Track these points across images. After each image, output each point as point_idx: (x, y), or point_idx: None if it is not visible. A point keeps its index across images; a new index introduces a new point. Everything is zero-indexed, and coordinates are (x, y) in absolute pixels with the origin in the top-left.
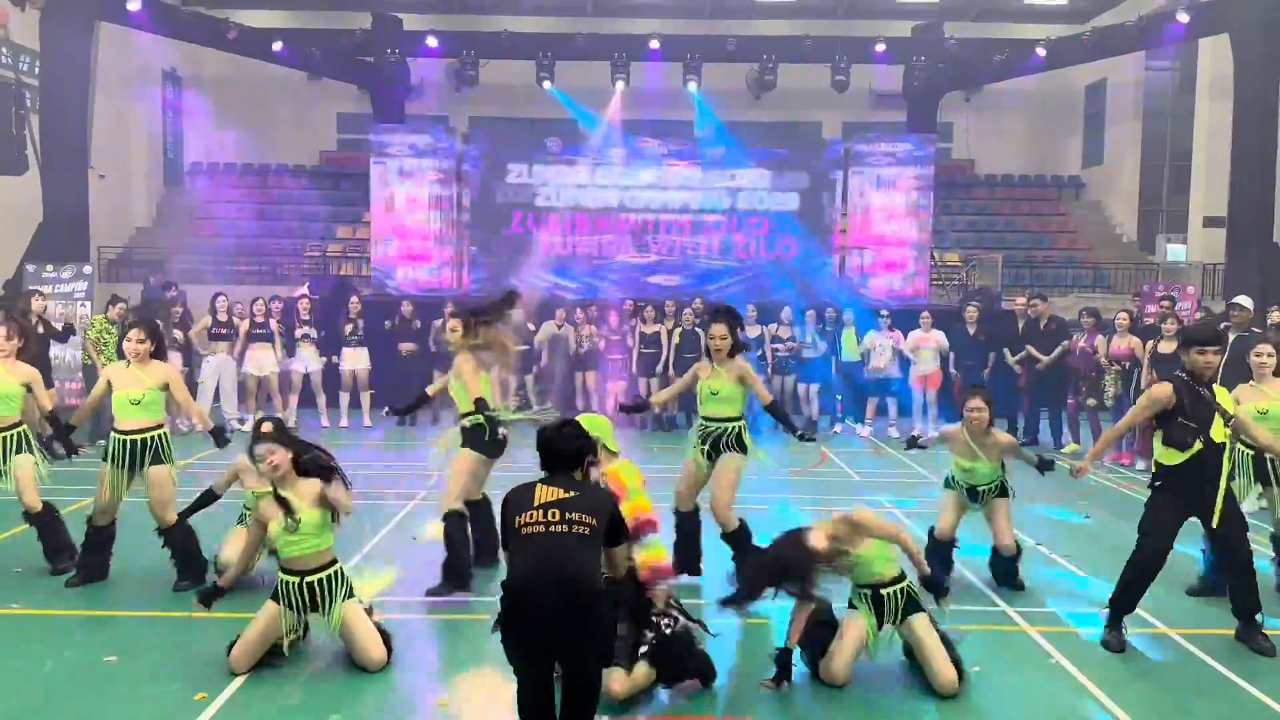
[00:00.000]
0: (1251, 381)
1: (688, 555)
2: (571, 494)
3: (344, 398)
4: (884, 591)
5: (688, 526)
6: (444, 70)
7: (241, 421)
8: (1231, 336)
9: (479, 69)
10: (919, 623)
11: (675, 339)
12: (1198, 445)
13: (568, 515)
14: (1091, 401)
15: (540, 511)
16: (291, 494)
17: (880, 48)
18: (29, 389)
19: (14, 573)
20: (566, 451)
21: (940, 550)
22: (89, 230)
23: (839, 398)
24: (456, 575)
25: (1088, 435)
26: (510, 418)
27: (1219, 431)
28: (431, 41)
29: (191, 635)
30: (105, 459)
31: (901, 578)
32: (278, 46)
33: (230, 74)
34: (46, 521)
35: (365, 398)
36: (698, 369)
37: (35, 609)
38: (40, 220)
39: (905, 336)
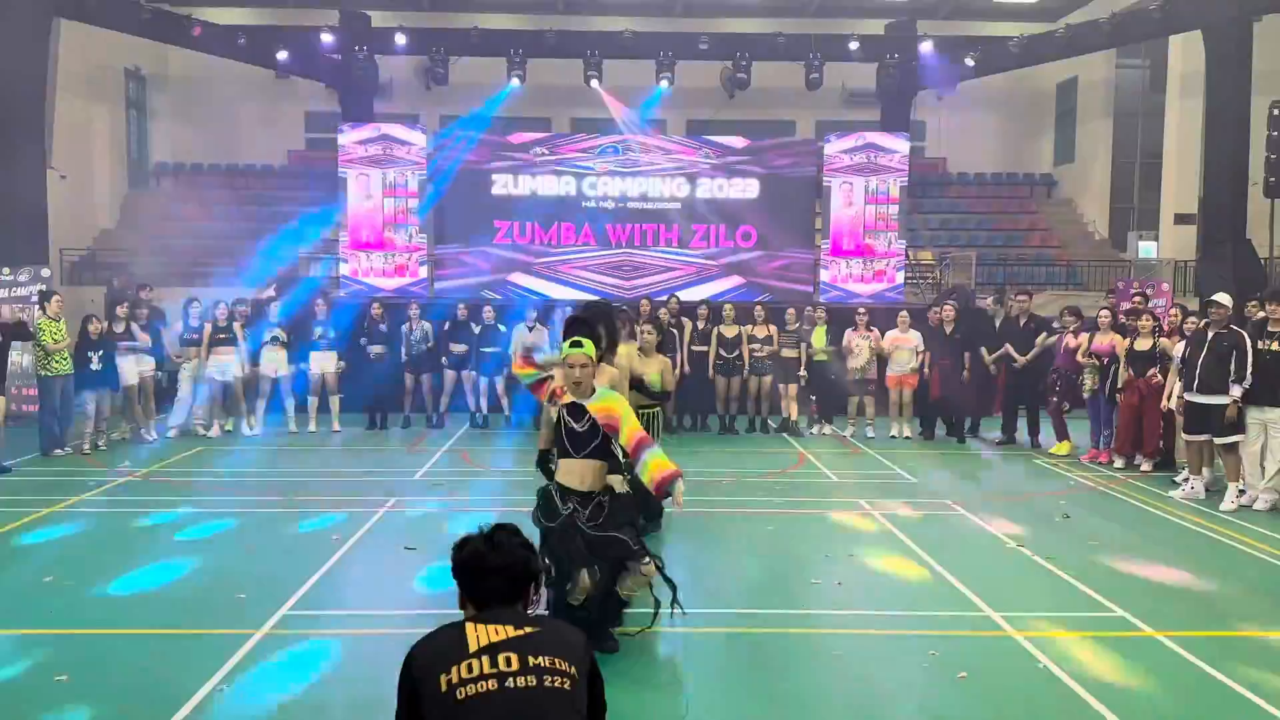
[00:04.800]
0: None
1: None
2: (528, 630)
3: (313, 401)
4: None
5: None
6: (413, 68)
7: (207, 428)
8: (1210, 334)
9: (449, 67)
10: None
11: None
12: None
13: (532, 661)
14: (1066, 406)
15: (483, 660)
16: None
17: (854, 45)
18: None
19: None
20: (507, 571)
21: None
22: (48, 232)
23: (813, 398)
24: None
25: (1079, 433)
26: None
27: None
28: (400, 39)
29: (147, 652)
30: None
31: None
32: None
33: (195, 72)
34: None
35: (334, 402)
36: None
37: None
38: None
39: (883, 336)
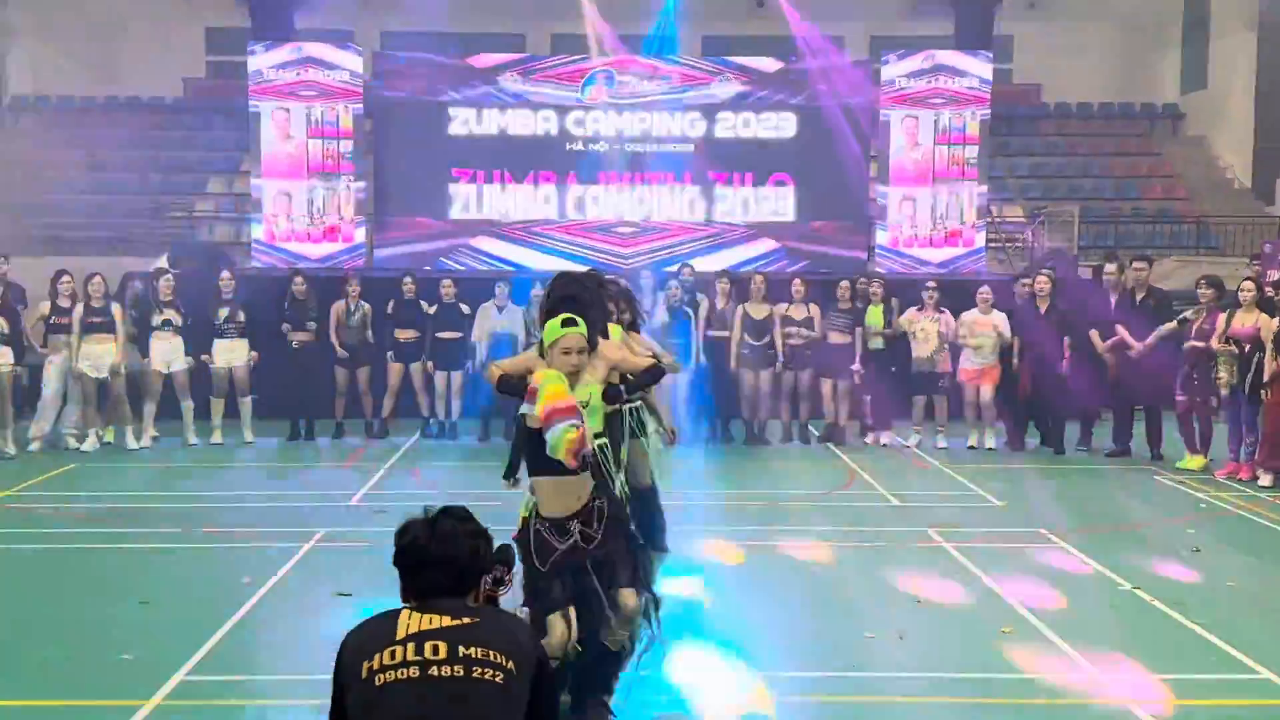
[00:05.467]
0: None
1: None
2: (465, 620)
3: (217, 405)
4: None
5: None
6: None
7: (81, 439)
8: None
9: None
10: None
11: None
12: None
13: (462, 651)
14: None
15: (408, 647)
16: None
17: None
18: None
19: None
20: (451, 564)
21: None
22: None
23: (868, 398)
24: None
25: (1214, 441)
26: None
27: None
28: None
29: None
30: None
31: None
32: None
33: None
34: None
35: (245, 405)
36: None
37: None
38: None
39: (956, 318)
